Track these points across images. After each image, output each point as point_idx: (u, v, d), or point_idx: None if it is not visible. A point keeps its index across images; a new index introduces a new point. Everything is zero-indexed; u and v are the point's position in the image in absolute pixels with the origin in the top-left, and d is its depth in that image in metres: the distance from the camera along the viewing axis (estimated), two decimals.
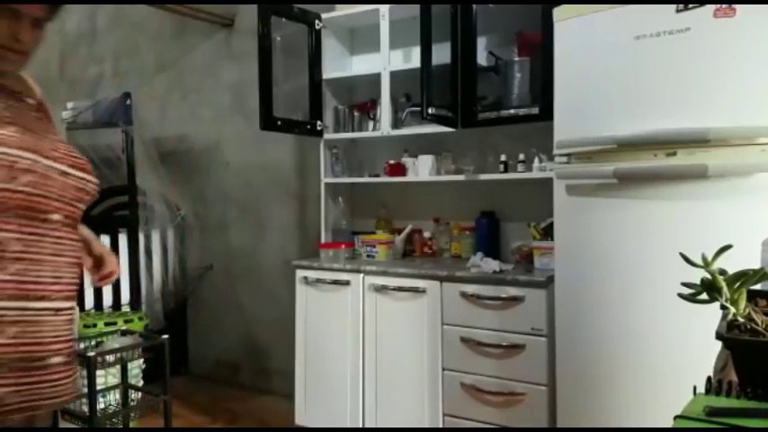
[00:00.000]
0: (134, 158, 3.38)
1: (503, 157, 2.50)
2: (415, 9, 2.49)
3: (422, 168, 2.68)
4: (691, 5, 1.64)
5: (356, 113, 2.90)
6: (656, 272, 1.67)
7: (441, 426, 2.31)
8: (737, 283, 0.80)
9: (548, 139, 1.98)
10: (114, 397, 2.52)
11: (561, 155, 1.91)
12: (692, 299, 0.86)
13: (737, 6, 1.57)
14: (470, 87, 2.47)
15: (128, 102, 3.33)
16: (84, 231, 1.40)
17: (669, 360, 1.67)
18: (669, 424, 0.67)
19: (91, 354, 2.22)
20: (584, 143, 1.83)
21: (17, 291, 1.16)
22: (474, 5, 2.45)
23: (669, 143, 1.66)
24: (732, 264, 0.84)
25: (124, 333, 2.60)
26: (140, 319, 3.05)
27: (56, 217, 1.22)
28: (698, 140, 1.61)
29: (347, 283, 2.51)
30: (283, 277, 2.95)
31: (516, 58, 2.44)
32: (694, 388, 0.75)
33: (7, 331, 1.15)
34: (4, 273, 1.15)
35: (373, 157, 2.99)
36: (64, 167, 1.25)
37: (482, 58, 2.57)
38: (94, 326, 2.77)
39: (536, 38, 2.28)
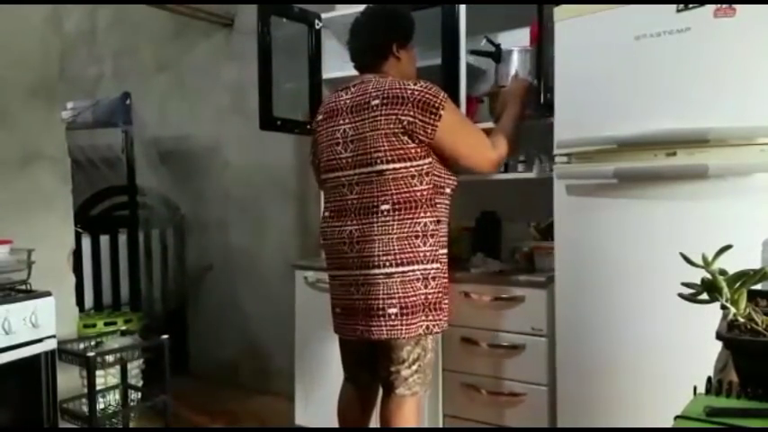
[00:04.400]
0: (134, 158, 3.39)
1: None
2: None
3: None
4: (691, 5, 1.63)
5: None
6: (657, 272, 1.67)
7: (441, 426, 2.31)
8: (738, 283, 0.80)
9: (548, 139, 1.98)
10: (114, 397, 2.52)
11: (561, 155, 1.91)
12: (692, 299, 0.86)
13: (738, 6, 1.57)
14: (470, 87, 2.47)
15: (127, 101, 3.33)
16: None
17: (669, 360, 1.66)
18: (669, 424, 0.67)
19: (90, 354, 2.22)
20: (584, 143, 1.83)
21: (360, 262, 1.75)
22: (471, 5, 2.44)
23: (669, 143, 1.66)
24: (732, 264, 0.84)
25: (124, 333, 2.60)
26: (139, 319, 3.05)
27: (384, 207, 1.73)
28: (698, 140, 1.61)
29: None
30: (283, 277, 2.95)
31: (516, 48, 2.34)
32: (695, 388, 0.75)
33: (360, 290, 1.77)
34: (352, 251, 1.77)
35: None
36: None
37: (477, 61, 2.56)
38: (94, 326, 2.77)
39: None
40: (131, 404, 2.54)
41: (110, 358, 2.32)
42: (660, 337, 1.70)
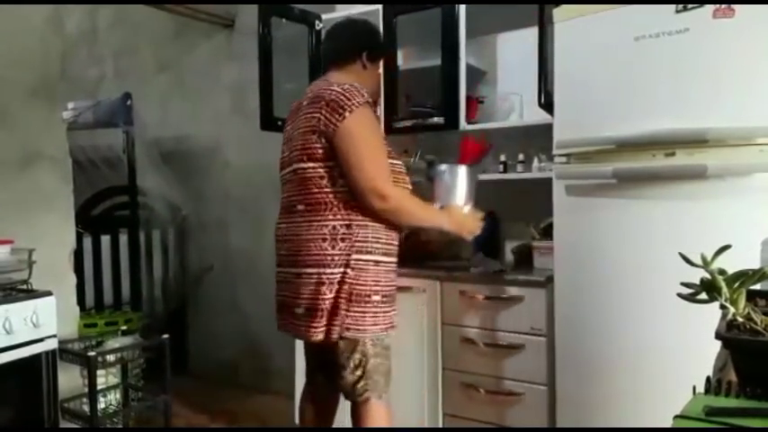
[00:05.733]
0: (134, 159, 3.39)
1: (502, 158, 2.50)
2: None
3: None
4: (690, 6, 1.64)
5: None
6: (656, 272, 1.68)
7: (440, 426, 2.31)
8: (737, 283, 0.81)
9: (547, 139, 1.98)
10: (115, 397, 2.52)
11: (561, 155, 1.92)
12: (691, 299, 0.86)
13: (737, 7, 1.57)
14: (470, 87, 2.47)
15: (128, 102, 3.33)
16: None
17: (669, 360, 1.67)
18: (669, 423, 0.67)
19: (91, 353, 2.22)
20: (583, 143, 1.83)
21: (286, 260, 1.79)
22: (471, 5, 2.45)
23: (668, 143, 1.66)
24: (731, 264, 0.84)
25: (124, 333, 2.60)
26: (140, 319, 3.05)
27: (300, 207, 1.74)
28: (697, 141, 1.61)
29: None
30: None
31: (444, 166, 2.04)
32: (694, 388, 0.75)
33: (284, 287, 1.79)
34: (282, 249, 1.80)
35: None
36: None
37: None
38: (95, 325, 2.78)
39: (476, 148, 2.43)
40: (132, 404, 2.55)
41: (110, 358, 2.32)
42: (660, 337, 1.71)
